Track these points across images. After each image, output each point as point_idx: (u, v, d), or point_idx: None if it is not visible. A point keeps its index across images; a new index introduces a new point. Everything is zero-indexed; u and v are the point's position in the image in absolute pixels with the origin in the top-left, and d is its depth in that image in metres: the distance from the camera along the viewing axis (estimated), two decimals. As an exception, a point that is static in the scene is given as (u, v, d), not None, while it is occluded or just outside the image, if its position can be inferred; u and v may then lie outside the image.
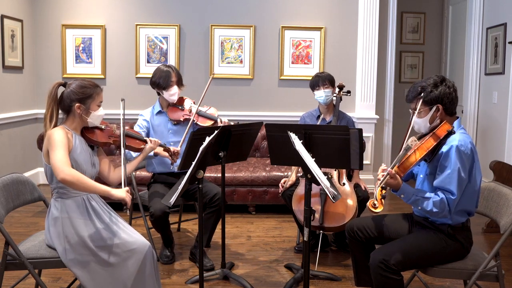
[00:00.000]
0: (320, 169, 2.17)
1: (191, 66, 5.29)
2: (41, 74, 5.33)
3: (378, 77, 5.30)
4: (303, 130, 2.43)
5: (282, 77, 5.32)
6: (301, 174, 3.22)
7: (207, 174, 4.23)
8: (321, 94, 3.35)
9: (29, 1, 5.17)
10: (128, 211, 2.34)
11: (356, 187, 3.26)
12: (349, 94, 3.49)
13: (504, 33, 4.90)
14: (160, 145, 2.87)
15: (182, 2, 5.24)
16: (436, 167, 2.22)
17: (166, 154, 2.98)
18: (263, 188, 4.44)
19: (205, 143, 2.31)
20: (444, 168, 2.16)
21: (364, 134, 3.93)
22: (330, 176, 3.19)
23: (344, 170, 3.25)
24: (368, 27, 5.19)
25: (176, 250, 3.45)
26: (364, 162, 5.08)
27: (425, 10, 6.61)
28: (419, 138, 2.26)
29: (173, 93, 3.25)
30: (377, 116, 5.30)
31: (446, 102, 2.24)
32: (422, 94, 2.24)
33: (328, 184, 2.12)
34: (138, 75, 5.29)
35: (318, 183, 2.16)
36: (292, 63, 5.32)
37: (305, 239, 2.29)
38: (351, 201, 3.07)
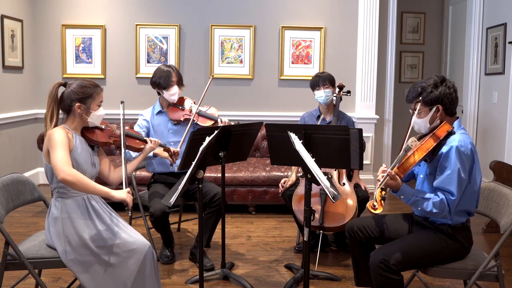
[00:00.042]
0: (320, 169, 2.17)
1: (191, 66, 5.29)
2: (41, 74, 5.33)
3: (378, 77, 5.30)
4: (303, 130, 2.43)
5: (282, 77, 5.33)
6: (301, 174, 3.22)
7: (207, 174, 4.23)
8: (321, 94, 3.35)
9: (29, 1, 5.17)
10: (130, 212, 2.34)
11: (356, 187, 3.27)
12: (349, 94, 3.49)
13: (504, 33, 4.90)
14: (160, 145, 2.86)
15: (182, 2, 5.24)
16: (436, 168, 2.22)
17: (166, 154, 2.98)
18: (263, 188, 4.44)
19: (205, 143, 2.31)
20: (444, 168, 2.16)
21: (364, 134, 3.93)
22: (330, 176, 3.19)
23: (344, 170, 3.25)
24: (368, 27, 5.19)
25: (176, 250, 3.45)
26: (364, 162, 5.09)
27: (425, 10, 6.61)
28: (419, 139, 2.25)
29: (173, 93, 3.26)
30: (377, 116, 5.30)
31: (446, 103, 2.23)
32: (422, 95, 2.24)
33: (328, 184, 2.12)
34: (138, 75, 5.29)
35: (318, 183, 2.16)
36: (292, 63, 5.32)
37: (305, 239, 2.29)
38: (351, 201, 3.07)
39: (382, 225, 2.45)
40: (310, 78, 3.50)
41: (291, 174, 3.38)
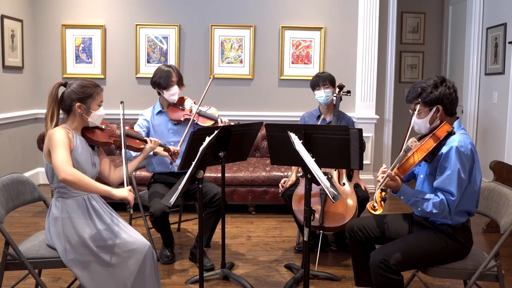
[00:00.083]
0: (320, 169, 2.17)
1: (191, 66, 5.29)
2: (41, 74, 5.33)
3: (378, 77, 5.30)
4: (303, 130, 2.43)
5: (282, 77, 5.33)
6: (301, 174, 3.22)
7: (207, 174, 4.23)
8: (322, 94, 3.35)
9: (29, 1, 5.17)
10: (131, 210, 2.33)
11: (356, 187, 3.27)
12: (349, 94, 3.49)
13: (504, 33, 4.90)
14: (160, 145, 2.87)
15: (182, 2, 5.24)
16: (436, 168, 2.22)
17: (166, 153, 2.98)
18: (263, 188, 4.44)
19: (205, 143, 2.31)
20: (444, 169, 2.16)
21: (364, 134, 3.93)
22: (330, 176, 3.19)
23: (344, 170, 3.25)
24: (368, 27, 5.19)
25: (176, 250, 3.45)
26: (364, 162, 5.09)
27: (425, 10, 6.60)
28: (419, 139, 2.25)
29: (173, 93, 3.26)
30: (377, 116, 5.30)
31: (446, 103, 2.23)
32: (422, 95, 2.24)
33: (328, 184, 2.12)
34: (138, 75, 5.29)
35: (318, 183, 2.16)
36: (292, 63, 5.32)
37: (305, 239, 2.29)
38: (351, 201, 3.07)
39: (382, 225, 2.45)
40: (310, 78, 3.50)
41: (291, 174, 3.38)
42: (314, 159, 2.18)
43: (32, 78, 5.28)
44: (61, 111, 2.36)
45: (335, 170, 3.23)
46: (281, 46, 5.28)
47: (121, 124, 2.43)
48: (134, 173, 3.56)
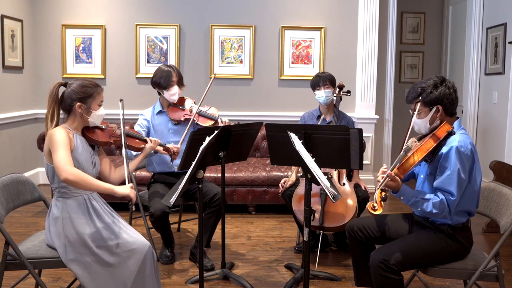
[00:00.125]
0: (320, 169, 2.17)
1: (191, 66, 5.29)
2: (41, 74, 5.33)
3: (378, 77, 5.30)
4: (303, 130, 2.43)
5: (282, 77, 5.33)
6: (301, 174, 3.22)
7: (207, 174, 4.23)
8: (322, 94, 3.35)
9: (29, 1, 5.17)
10: (134, 207, 2.34)
11: (356, 187, 3.27)
12: (349, 94, 3.49)
13: (504, 33, 4.90)
14: (160, 145, 2.87)
15: (182, 2, 5.24)
16: (436, 168, 2.22)
17: (166, 153, 2.99)
18: (263, 188, 4.44)
19: (205, 143, 2.31)
20: (444, 169, 2.16)
21: (364, 134, 3.93)
22: (330, 176, 3.19)
23: (344, 170, 3.25)
24: (368, 27, 5.19)
25: (176, 250, 3.45)
26: (364, 162, 5.09)
27: (425, 10, 6.60)
28: (419, 139, 2.25)
29: (173, 93, 3.26)
30: (377, 116, 5.30)
31: (446, 103, 2.23)
32: (422, 97, 2.24)
33: (328, 184, 2.12)
34: (138, 75, 5.29)
35: (318, 183, 2.16)
36: (292, 63, 5.32)
37: (305, 239, 2.29)
38: (351, 201, 3.07)
39: (382, 225, 2.45)
40: (310, 78, 3.50)
41: (291, 174, 3.38)
42: (314, 159, 2.18)
43: (32, 78, 5.28)
44: (61, 111, 2.36)
45: (335, 170, 3.23)
46: (281, 46, 5.28)
47: (121, 123, 2.43)
48: (134, 173, 3.56)
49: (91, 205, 2.33)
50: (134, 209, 2.37)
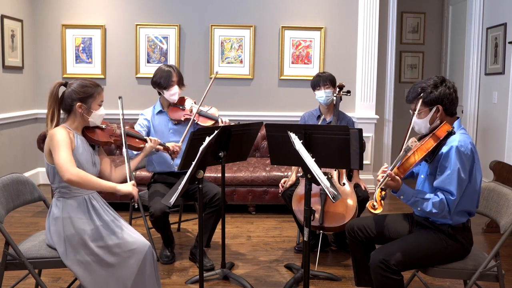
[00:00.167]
0: (320, 169, 2.17)
1: (191, 66, 5.29)
2: (41, 74, 5.33)
3: (378, 77, 5.30)
4: (303, 130, 2.43)
5: (282, 77, 5.33)
6: (301, 174, 3.22)
7: (207, 174, 4.23)
8: (322, 95, 3.35)
9: (29, 1, 5.17)
10: (136, 205, 2.35)
11: (356, 187, 3.26)
12: (349, 94, 3.49)
13: (504, 33, 4.90)
14: (160, 144, 2.87)
15: (182, 2, 5.24)
16: (436, 168, 2.22)
17: (166, 151, 2.99)
18: (263, 188, 4.44)
19: (205, 143, 2.31)
20: (444, 168, 2.16)
21: (364, 134, 3.92)
22: (330, 176, 3.19)
23: (344, 170, 3.25)
24: (368, 27, 5.19)
25: (176, 250, 3.45)
26: (364, 162, 5.08)
27: (425, 10, 6.60)
28: (419, 139, 2.25)
29: (173, 93, 3.26)
30: (377, 116, 5.30)
31: (446, 103, 2.23)
32: (422, 95, 2.24)
33: (328, 184, 2.12)
34: (138, 75, 5.29)
35: (318, 183, 2.16)
36: (292, 63, 5.32)
37: (305, 239, 2.29)
38: (351, 201, 3.07)
39: (382, 225, 2.45)
40: (310, 78, 3.50)
41: (291, 174, 3.38)
42: (314, 159, 2.18)
43: (32, 78, 5.28)
44: (61, 111, 2.36)
45: (335, 170, 3.23)
46: (281, 46, 5.28)
47: (121, 122, 2.43)
48: (134, 173, 3.56)
49: (92, 205, 2.33)
50: (136, 206, 2.38)
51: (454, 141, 2.16)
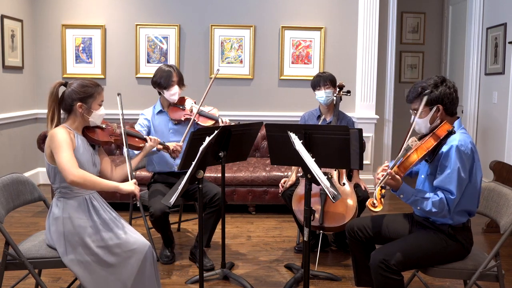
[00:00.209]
0: (320, 169, 2.17)
1: (191, 66, 5.29)
2: (41, 74, 5.33)
3: (378, 77, 5.30)
4: (303, 130, 2.43)
5: (282, 77, 5.33)
6: (301, 174, 3.22)
7: (207, 174, 4.23)
8: (322, 95, 3.35)
9: (29, 1, 5.17)
10: (138, 203, 2.36)
11: (356, 187, 3.26)
12: (349, 94, 3.49)
13: (504, 33, 4.90)
14: (160, 143, 2.87)
15: (182, 2, 5.24)
16: (436, 167, 2.22)
17: (166, 151, 3.00)
18: (263, 188, 4.44)
19: (205, 143, 2.31)
20: (444, 168, 2.16)
21: (364, 134, 3.93)
22: (330, 176, 3.19)
23: (344, 170, 3.25)
24: (368, 27, 5.19)
25: (176, 250, 3.45)
26: (364, 162, 5.08)
27: (425, 10, 6.61)
28: (420, 139, 2.26)
29: (173, 93, 3.26)
30: (377, 116, 5.30)
31: (446, 103, 2.24)
32: (426, 92, 2.23)
33: (328, 184, 2.12)
34: (138, 75, 5.29)
35: (318, 183, 2.16)
36: (292, 63, 5.32)
37: (305, 239, 2.29)
38: (351, 201, 3.07)
39: (382, 225, 2.45)
40: (310, 78, 3.50)
41: (291, 174, 3.38)
42: (314, 159, 2.18)
43: (32, 78, 5.28)
44: (62, 111, 2.36)
45: (335, 170, 3.23)
46: (281, 46, 5.28)
47: (120, 118, 2.43)
48: (134, 173, 3.56)
49: (92, 205, 2.33)
50: (138, 205, 2.39)
51: (454, 140, 2.16)
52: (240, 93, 5.34)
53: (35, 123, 5.33)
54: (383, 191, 2.14)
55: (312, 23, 5.27)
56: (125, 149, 2.45)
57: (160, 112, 3.35)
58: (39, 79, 5.33)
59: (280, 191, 3.34)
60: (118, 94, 2.58)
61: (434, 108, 2.24)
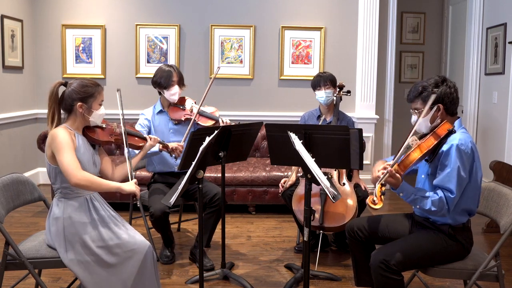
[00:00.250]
0: (320, 169, 2.17)
1: (191, 66, 5.29)
2: (41, 74, 5.33)
3: (378, 77, 5.30)
4: (303, 130, 2.43)
5: (282, 77, 5.33)
6: (301, 174, 3.22)
7: (207, 174, 4.23)
8: (322, 95, 3.35)
9: (29, 1, 5.17)
10: (138, 203, 2.37)
11: (356, 187, 3.26)
12: (349, 94, 3.49)
13: (504, 33, 4.90)
14: (160, 142, 2.87)
15: (182, 2, 5.24)
16: (437, 167, 2.22)
17: (165, 149, 3.00)
18: (263, 188, 4.44)
19: (205, 143, 2.31)
20: (444, 166, 2.16)
21: (364, 134, 3.93)
22: (330, 176, 3.19)
23: (344, 170, 3.25)
24: (368, 27, 5.19)
25: (176, 250, 3.45)
26: (364, 162, 5.08)
27: (425, 10, 6.61)
28: (420, 138, 2.26)
29: (173, 93, 3.26)
30: (377, 116, 5.30)
31: (446, 102, 2.24)
32: (434, 91, 2.22)
33: (328, 184, 2.12)
34: (138, 75, 5.29)
35: (318, 183, 2.16)
36: (292, 63, 5.32)
37: (305, 239, 2.29)
38: (351, 201, 3.07)
39: (382, 225, 2.45)
40: (310, 78, 3.50)
41: (291, 174, 3.38)
42: (314, 159, 2.18)
43: (32, 78, 5.28)
44: (62, 111, 2.36)
45: (335, 170, 3.23)
46: (281, 46, 5.28)
47: (120, 114, 2.43)
48: (134, 173, 3.56)
49: (93, 205, 2.33)
50: (139, 205, 2.40)
51: (454, 139, 2.16)
52: (240, 93, 5.34)
53: (35, 123, 5.33)
54: (383, 188, 2.15)
55: (312, 23, 5.27)
56: (125, 149, 2.45)
57: (160, 112, 3.35)
58: (39, 79, 5.33)
59: (280, 191, 3.34)
60: (118, 90, 2.57)
61: (435, 108, 2.24)
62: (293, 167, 3.48)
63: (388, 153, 5.52)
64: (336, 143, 2.40)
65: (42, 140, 4.43)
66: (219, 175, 3.81)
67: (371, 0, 5.15)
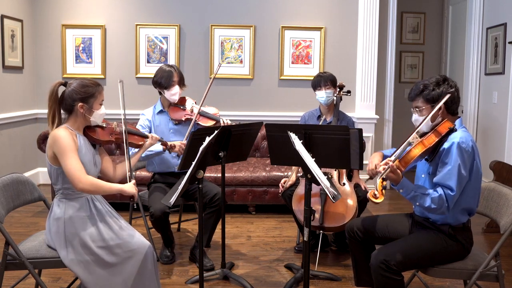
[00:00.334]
0: (320, 169, 2.17)
1: (191, 66, 5.29)
2: (41, 74, 5.33)
3: (378, 77, 5.30)
4: (303, 130, 2.43)
5: (282, 77, 5.33)
6: (301, 174, 3.22)
7: (207, 174, 4.23)
8: (323, 95, 3.35)
9: (29, 1, 5.17)
10: (135, 204, 2.37)
11: (356, 187, 3.26)
12: (349, 94, 3.49)
13: (504, 33, 4.90)
14: (159, 141, 2.87)
15: (182, 2, 5.24)
16: (437, 166, 2.22)
17: (165, 147, 2.99)
18: (263, 188, 4.44)
19: (205, 143, 2.31)
20: (445, 164, 2.16)
21: (364, 134, 3.93)
22: (330, 176, 3.19)
23: (344, 170, 3.25)
24: (368, 27, 5.19)
25: (176, 250, 3.45)
26: (364, 162, 5.05)
27: (425, 10, 6.61)
28: (421, 136, 2.26)
29: (174, 93, 3.26)
30: (377, 116, 5.30)
31: (448, 101, 2.24)
32: (450, 91, 2.22)
33: (328, 184, 2.12)
34: (138, 75, 5.29)
35: (318, 183, 2.16)
36: (292, 63, 5.32)
37: (305, 239, 2.29)
38: (351, 201, 3.07)
39: (382, 225, 2.45)
40: (310, 78, 3.50)
41: (291, 174, 3.38)
42: (314, 159, 2.18)
43: (32, 78, 5.28)
44: (62, 111, 2.36)
45: (335, 170, 3.23)
46: (281, 46, 5.28)
47: (121, 106, 2.43)
48: (134, 173, 3.56)
49: (94, 206, 2.33)
50: (135, 206, 2.40)
51: (455, 137, 2.16)
52: (240, 93, 5.34)
53: (35, 123, 5.34)
54: (384, 183, 2.16)
55: (312, 23, 5.27)
56: (126, 148, 2.45)
57: (160, 112, 3.35)
58: (39, 79, 5.33)
59: (280, 191, 3.34)
60: (120, 81, 2.54)
61: (437, 107, 2.24)
62: (293, 167, 3.48)
63: (388, 153, 5.51)
64: (336, 143, 2.40)
65: (42, 140, 4.43)
66: (219, 175, 3.81)
67: (371, 0, 5.15)
